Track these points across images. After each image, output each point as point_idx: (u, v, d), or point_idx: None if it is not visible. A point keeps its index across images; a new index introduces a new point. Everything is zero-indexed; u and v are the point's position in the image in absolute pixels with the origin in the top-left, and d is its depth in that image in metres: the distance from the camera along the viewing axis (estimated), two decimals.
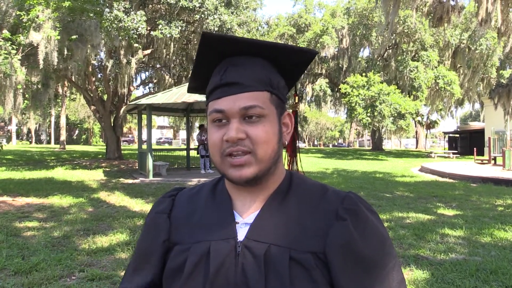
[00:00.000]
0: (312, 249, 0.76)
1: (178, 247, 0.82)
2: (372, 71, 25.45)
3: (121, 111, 19.89)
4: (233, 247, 0.77)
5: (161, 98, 12.40)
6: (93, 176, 12.87)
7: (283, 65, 0.85)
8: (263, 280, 0.73)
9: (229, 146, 0.76)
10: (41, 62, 10.07)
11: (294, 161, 0.95)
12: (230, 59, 0.81)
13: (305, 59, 0.86)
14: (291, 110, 0.91)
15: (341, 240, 0.76)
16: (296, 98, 0.95)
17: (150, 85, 25.59)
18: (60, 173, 13.51)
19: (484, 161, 19.72)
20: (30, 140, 56.12)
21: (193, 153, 16.21)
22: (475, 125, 38.28)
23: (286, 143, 0.86)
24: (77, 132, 62.84)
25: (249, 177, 0.77)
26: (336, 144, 77.32)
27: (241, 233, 0.79)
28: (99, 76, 20.98)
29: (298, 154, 0.96)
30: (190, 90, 0.94)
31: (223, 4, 17.29)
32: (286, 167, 0.91)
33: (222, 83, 0.78)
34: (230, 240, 0.78)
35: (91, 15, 11.43)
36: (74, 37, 10.70)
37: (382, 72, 27.79)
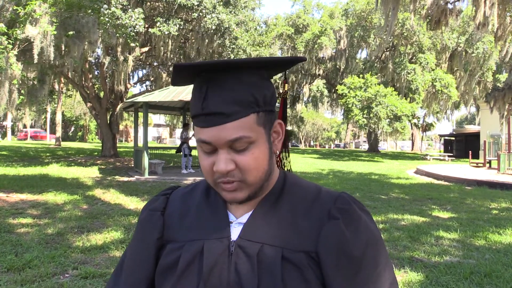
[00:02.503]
0: (305, 249, 0.76)
1: (171, 245, 0.82)
2: (370, 72, 25.52)
3: (118, 108, 19.84)
4: (226, 246, 0.78)
5: (158, 96, 12.37)
6: (88, 173, 12.81)
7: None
8: (256, 279, 0.74)
9: (219, 176, 0.75)
10: (36, 57, 10.00)
11: (287, 157, 0.95)
12: (209, 76, 0.76)
13: (291, 63, 0.84)
14: (280, 98, 0.89)
15: (333, 239, 0.76)
16: (286, 85, 0.93)
17: (147, 83, 25.54)
18: (55, 170, 13.44)
19: (479, 164, 19.82)
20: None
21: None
22: (470, 128, 38.53)
23: (278, 152, 0.84)
24: (73, 129, 62.61)
25: (242, 199, 0.78)
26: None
27: (235, 232, 0.80)
28: (95, 73, 20.90)
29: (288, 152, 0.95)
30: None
31: (221, 3, 17.27)
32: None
33: (204, 113, 0.75)
34: (223, 240, 0.79)
35: (89, 11, 11.38)
36: (70, 33, 10.65)
37: (379, 74, 27.88)
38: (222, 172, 0.74)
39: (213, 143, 0.74)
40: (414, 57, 28.03)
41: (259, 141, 0.76)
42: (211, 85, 0.75)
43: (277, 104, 0.84)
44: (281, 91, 0.95)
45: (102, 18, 12.73)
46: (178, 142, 55.55)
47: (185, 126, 14.02)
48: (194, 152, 14.15)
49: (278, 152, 0.84)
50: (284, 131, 0.86)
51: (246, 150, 0.74)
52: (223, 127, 0.73)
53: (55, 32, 10.07)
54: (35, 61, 10.15)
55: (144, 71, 25.19)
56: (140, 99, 12.66)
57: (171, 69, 21.55)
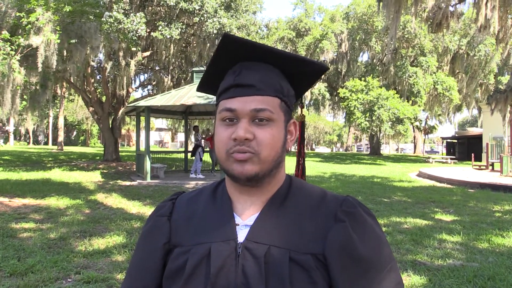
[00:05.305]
0: (312, 251, 0.77)
1: (179, 249, 0.83)
2: (371, 75, 25.51)
3: (120, 113, 19.88)
4: (233, 248, 0.79)
5: (160, 100, 12.40)
6: (91, 178, 12.83)
7: (293, 76, 0.87)
8: (263, 281, 0.74)
9: (235, 144, 0.78)
10: (40, 65, 10.05)
11: (304, 168, 0.98)
12: (244, 63, 0.84)
13: (315, 72, 0.88)
14: (298, 122, 0.93)
15: (340, 242, 0.77)
16: (301, 110, 0.97)
17: (149, 87, 25.59)
18: (57, 174, 13.47)
19: (482, 167, 19.75)
20: (27, 141, 56.01)
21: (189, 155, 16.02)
22: (473, 130, 38.39)
23: (289, 150, 0.87)
24: (75, 133, 62.75)
25: (251, 174, 0.78)
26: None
27: (241, 234, 0.81)
28: (97, 77, 20.97)
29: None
30: (200, 88, 0.95)
31: (222, 7, 17.33)
32: (289, 172, 0.92)
33: (235, 83, 0.81)
34: (230, 242, 0.80)
35: (91, 17, 11.44)
36: (73, 40, 10.70)
37: (381, 77, 27.86)
38: (241, 137, 0.77)
39: (238, 110, 0.78)
40: (416, 60, 28.01)
41: (278, 123, 0.81)
42: (246, 67, 0.83)
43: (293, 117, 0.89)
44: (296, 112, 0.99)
45: (104, 24, 12.80)
46: (178, 146, 55.19)
47: (195, 129, 13.87)
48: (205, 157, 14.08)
49: (289, 150, 0.86)
50: (297, 134, 0.90)
51: (266, 125, 0.79)
52: (250, 98, 0.79)
53: (59, 41, 10.12)
54: (39, 69, 10.21)
55: (146, 75, 25.28)
56: (142, 103, 12.70)
57: (172, 73, 21.73)
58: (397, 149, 68.39)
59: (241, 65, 0.83)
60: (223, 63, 0.85)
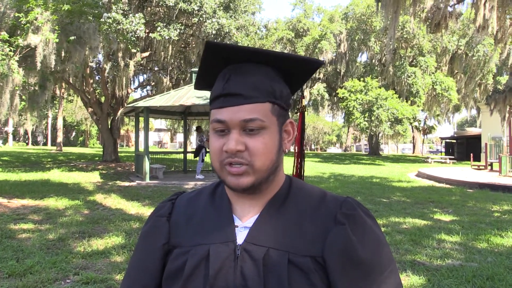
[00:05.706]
0: (311, 253, 0.77)
1: (178, 250, 0.83)
2: (370, 76, 25.53)
3: (119, 113, 19.87)
4: (232, 250, 0.79)
5: (158, 101, 12.40)
6: (90, 179, 12.82)
7: (287, 72, 0.85)
8: (262, 283, 0.75)
9: (228, 156, 0.77)
10: (38, 64, 10.04)
11: (302, 166, 0.97)
12: (233, 66, 0.81)
13: (310, 68, 0.86)
14: (298, 113, 0.92)
15: (339, 244, 0.77)
16: (303, 100, 0.96)
17: (148, 87, 25.58)
18: (56, 175, 13.45)
19: (481, 167, 19.76)
20: (26, 141, 55.96)
21: (190, 156, 15.99)
22: (472, 130, 38.42)
23: (287, 151, 0.86)
24: (74, 134, 62.70)
25: (246, 186, 0.78)
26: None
27: (241, 236, 0.80)
28: (96, 78, 20.95)
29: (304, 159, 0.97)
30: (196, 87, 0.95)
31: (221, 7, 17.33)
32: (288, 172, 0.92)
33: (224, 93, 0.79)
34: (229, 244, 0.79)
35: (90, 17, 11.44)
36: (71, 38, 10.69)
37: (379, 77, 27.90)
38: (232, 150, 0.76)
39: (227, 122, 0.77)
40: (415, 60, 28.05)
41: (271, 129, 0.79)
42: (235, 72, 0.80)
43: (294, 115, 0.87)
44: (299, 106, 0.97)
45: (102, 25, 12.79)
46: (177, 147, 55.02)
47: (198, 130, 13.78)
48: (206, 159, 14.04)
49: (287, 151, 0.85)
50: (295, 133, 0.89)
51: (258, 134, 0.77)
52: (239, 108, 0.77)
53: (57, 40, 10.12)
54: (38, 68, 10.20)
55: (145, 76, 25.26)
56: (141, 104, 12.69)
57: (171, 74, 21.71)
58: (402, 149, 68.41)
59: (230, 69, 0.81)
60: (211, 68, 0.83)
